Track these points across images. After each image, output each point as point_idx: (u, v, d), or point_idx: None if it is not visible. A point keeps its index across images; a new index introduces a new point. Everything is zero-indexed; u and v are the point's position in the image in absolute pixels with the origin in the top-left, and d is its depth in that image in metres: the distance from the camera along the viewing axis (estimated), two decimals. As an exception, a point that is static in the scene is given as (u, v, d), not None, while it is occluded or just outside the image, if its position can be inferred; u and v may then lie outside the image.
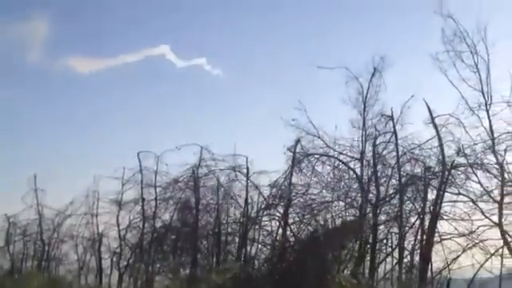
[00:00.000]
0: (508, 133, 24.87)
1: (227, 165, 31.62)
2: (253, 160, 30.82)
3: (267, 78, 51.57)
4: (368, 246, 27.14)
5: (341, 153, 28.52)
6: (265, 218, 30.59)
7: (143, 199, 32.58)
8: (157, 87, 50.93)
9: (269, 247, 30.23)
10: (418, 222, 26.46)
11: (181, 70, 50.28)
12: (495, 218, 24.51)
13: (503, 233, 24.27)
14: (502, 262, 24.71)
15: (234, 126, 45.55)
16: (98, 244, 33.76)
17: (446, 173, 25.72)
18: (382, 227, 27.41)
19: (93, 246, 34.02)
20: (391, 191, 27.58)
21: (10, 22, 47.45)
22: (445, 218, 26.01)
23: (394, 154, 27.22)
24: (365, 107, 28.04)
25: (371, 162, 27.57)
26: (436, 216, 25.62)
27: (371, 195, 27.51)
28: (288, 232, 29.10)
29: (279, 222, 29.54)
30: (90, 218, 34.13)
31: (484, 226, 24.99)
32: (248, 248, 30.35)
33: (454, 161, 25.90)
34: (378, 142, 27.71)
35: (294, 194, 29.19)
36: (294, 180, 29.13)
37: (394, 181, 27.43)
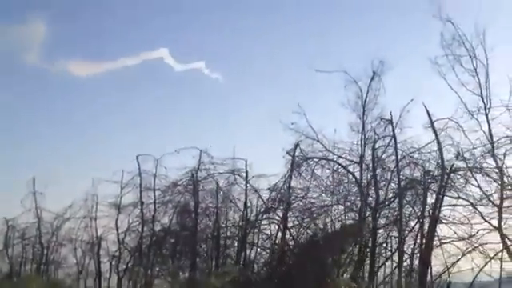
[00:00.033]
0: (507, 137, 24.96)
1: (226, 168, 31.62)
2: (252, 163, 30.82)
3: (266, 81, 51.65)
4: (367, 249, 27.16)
5: (340, 156, 28.57)
6: (264, 222, 30.57)
7: (142, 203, 32.48)
8: (155, 91, 51.01)
9: (268, 251, 30.23)
10: (417, 226, 26.52)
11: (179, 73, 50.34)
12: (495, 222, 24.60)
13: (503, 237, 24.32)
14: (501, 265, 24.77)
15: (232, 130, 45.59)
16: (97, 247, 33.62)
17: (446, 177, 25.76)
18: (381, 231, 27.43)
19: (92, 250, 33.89)
20: (390, 195, 27.62)
21: (8, 24, 47.52)
22: (444, 221, 26.14)
23: (394, 157, 27.27)
24: (364, 111, 28.11)
25: (370, 165, 27.61)
26: (435, 220, 25.67)
27: (370, 199, 27.56)
28: (287, 236, 29.11)
29: (278, 226, 29.52)
30: (88, 221, 34.00)
31: (483, 229, 25.08)
32: (247, 252, 30.26)
33: (453, 165, 25.97)
34: (377, 145, 27.77)
35: (293, 197, 29.21)
36: (293, 184, 29.17)
37: (393, 185, 27.49)
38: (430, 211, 26.05)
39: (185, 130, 46.38)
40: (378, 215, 27.02)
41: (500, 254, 24.57)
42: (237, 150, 31.18)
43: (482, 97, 25.33)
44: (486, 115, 25.19)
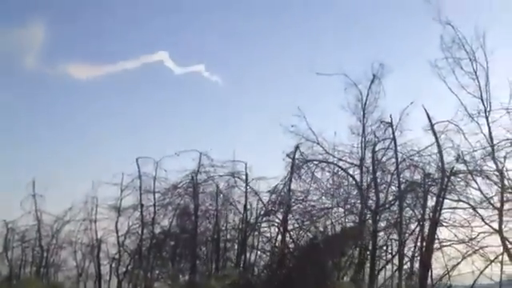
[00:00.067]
0: (507, 139, 24.93)
1: (226, 171, 31.65)
2: (252, 166, 30.90)
3: (266, 84, 51.67)
4: (368, 252, 27.14)
5: (340, 159, 28.59)
6: (264, 225, 30.57)
7: (142, 205, 32.45)
8: (155, 93, 50.94)
9: (268, 254, 30.21)
10: (417, 229, 26.53)
11: (179, 76, 50.25)
12: (495, 225, 24.58)
13: (503, 239, 24.30)
14: (501, 268, 24.82)
15: (232, 132, 45.61)
16: (97, 250, 33.58)
17: (446, 179, 25.77)
18: (381, 234, 27.46)
19: (92, 252, 33.84)
20: (391, 198, 27.62)
21: (8, 27, 47.41)
22: (444, 224, 26.12)
23: (394, 160, 27.28)
24: (364, 114, 28.14)
25: (370, 168, 27.62)
26: (436, 223, 25.66)
27: (371, 202, 27.57)
28: (287, 238, 29.10)
29: (278, 229, 29.51)
30: (88, 223, 33.94)
31: (484, 232, 25.07)
32: (247, 254, 30.28)
33: (453, 167, 25.97)
34: (377, 148, 27.79)
35: (293, 200, 29.19)
36: (293, 186, 29.20)
37: (393, 187, 27.52)
38: (431, 214, 26.05)
39: (185, 133, 46.32)
40: (378, 218, 27.02)
41: (500, 256, 24.57)
42: (237, 153, 31.30)
43: (482, 99, 25.31)
44: (486, 118, 25.17)
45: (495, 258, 24.71)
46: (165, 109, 50.06)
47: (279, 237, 29.38)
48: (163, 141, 45.44)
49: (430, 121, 26.28)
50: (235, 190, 31.58)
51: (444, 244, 25.93)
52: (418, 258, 26.16)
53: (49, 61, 52.84)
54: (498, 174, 24.80)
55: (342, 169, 28.46)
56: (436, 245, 25.83)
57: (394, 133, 27.26)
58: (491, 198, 24.92)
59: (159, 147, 38.46)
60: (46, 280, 34.36)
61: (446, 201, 25.93)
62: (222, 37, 51.96)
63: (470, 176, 25.63)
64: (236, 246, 31.31)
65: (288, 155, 28.94)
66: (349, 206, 28.43)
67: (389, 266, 27.24)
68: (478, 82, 25.39)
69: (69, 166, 44.35)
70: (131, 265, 33.09)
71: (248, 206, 30.61)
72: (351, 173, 28.30)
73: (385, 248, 27.65)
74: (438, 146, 26.13)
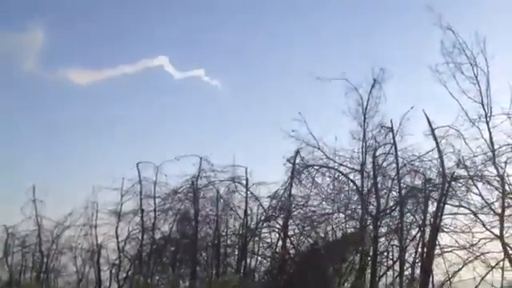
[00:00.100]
0: (508, 145, 24.75)
1: (227, 176, 31.61)
2: (252, 171, 30.85)
3: (266, 88, 51.44)
4: (369, 258, 27.03)
5: (341, 164, 28.44)
6: (264, 230, 30.54)
7: (142, 210, 32.41)
8: (155, 98, 50.84)
9: (269, 259, 30.16)
10: (418, 235, 26.40)
11: (179, 81, 50.24)
12: (496, 231, 24.39)
13: (504, 245, 24.13)
14: (502, 274, 24.68)
15: (233, 137, 45.37)
16: (97, 256, 33.57)
17: (447, 185, 25.62)
18: (382, 239, 27.34)
19: (92, 258, 33.83)
20: (391, 203, 27.49)
21: (8, 32, 47.40)
22: (445, 230, 25.99)
23: (394, 165, 27.12)
24: (365, 118, 27.98)
25: (371, 173, 27.50)
26: (436, 228, 25.54)
27: (371, 207, 27.44)
28: (288, 244, 29.05)
29: (279, 234, 29.47)
30: (88, 229, 33.96)
31: (485, 238, 24.92)
32: (248, 260, 30.23)
33: (453, 173, 25.83)
34: (377, 153, 27.63)
35: (293, 205, 29.15)
36: (293, 191, 29.16)
37: (394, 193, 27.37)
38: (431, 220, 25.91)
39: (185, 138, 46.14)
40: (378, 224, 26.91)
41: (502, 262, 24.39)
42: (237, 158, 31.22)
43: (482, 104, 25.13)
44: (487, 123, 24.98)
45: (496, 264, 24.56)
46: (165, 113, 49.90)
47: (280, 242, 29.37)
48: (163, 145, 45.34)
49: (430, 126, 26.17)
50: (235, 195, 31.56)
51: (445, 250, 25.82)
52: (419, 264, 26.02)
53: (48, 65, 52.89)
54: (498, 179, 24.64)
55: (343, 174, 28.36)
56: (437, 251, 25.71)
57: (394, 138, 27.13)
58: (492, 203, 24.74)
59: (159, 152, 38.41)
60: (46, 285, 34.45)
61: (446, 206, 25.77)
62: (222, 41, 51.84)
63: (470, 181, 25.48)
64: (236, 252, 31.28)
65: (288, 160, 28.90)
66: (349, 212, 28.33)
67: (390, 272, 27.12)
68: (479, 86, 25.25)
69: (69, 171, 44.34)
70: (131, 270, 33.05)
71: (248, 212, 30.60)
72: (352, 178, 28.20)
73: (386, 254, 27.52)
74: (439, 151, 26.00)
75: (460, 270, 25.42)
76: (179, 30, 52.99)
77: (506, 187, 24.51)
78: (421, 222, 26.34)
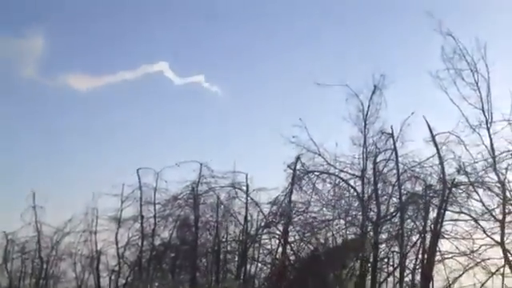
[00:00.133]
0: (509, 151, 24.74)
1: (227, 182, 31.58)
2: (253, 177, 30.83)
3: (266, 94, 51.30)
4: (369, 264, 26.96)
5: (341, 170, 28.37)
6: (265, 236, 30.48)
7: (142, 216, 32.35)
8: (155, 104, 50.85)
9: (269, 266, 30.09)
10: (419, 241, 26.35)
11: (179, 87, 50.20)
12: (497, 237, 24.35)
13: (505, 252, 24.10)
14: (503, 281, 24.65)
15: (233, 143, 45.32)
16: (97, 262, 33.46)
17: (447, 191, 25.61)
18: (382, 246, 27.29)
19: (91, 264, 33.73)
20: (392, 209, 27.42)
21: (7, 38, 47.40)
22: (446, 236, 25.96)
23: (395, 171, 27.11)
24: (365, 125, 27.92)
25: (372, 179, 27.46)
26: (437, 235, 25.51)
27: (372, 213, 27.39)
28: (288, 250, 29.00)
29: (279, 240, 29.41)
30: (88, 235, 33.85)
31: (485, 244, 24.89)
32: (248, 266, 30.19)
33: (454, 179, 25.81)
34: (378, 159, 27.61)
35: (294, 211, 29.09)
36: (294, 197, 29.09)
37: (394, 199, 27.34)
38: (432, 226, 25.88)
39: (185, 144, 46.12)
40: (379, 230, 26.86)
41: (502, 269, 24.38)
42: (237, 164, 31.18)
43: (483, 111, 25.13)
44: (488, 129, 24.97)
45: (497, 271, 24.53)
46: (165, 119, 49.79)
47: (280, 249, 29.29)
48: (164, 151, 45.23)
49: (431, 132, 26.18)
50: (236, 201, 31.54)
51: (445, 256, 25.77)
52: (420, 270, 25.95)
53: (48, 72, 52.84)
54: (499, 185, 24.61)
55: (343, 180, 28.32)
56: (437, 257, 25.67)
57: (395, 144, 27.12)
58: (493, 209, 24.73)
59: (160, 158, 38.36)
60: (46, 292, 34.29)
61: (447, 213, 25.76)
62: (222, 47, 51.84)
63: (471, 188, 25.46)
64: (236, 258, 31.23)
65: (289, 166, 28.85)
66: (350, 218, 28.26)
67: (390, 279, 27.05)
68: (480, 93, 25.25)
69: (69, 177, 44.20)
70: (131, 277, 32.95)
71: (248, 218, 30.57)
72: (352, 184, 28.15)
73: (386, 260, 27.46)
74: (440, 157, 26.00)
75: (460, 276, 25.37)
76: (179, 35, 53.02)
77: (507, 193, 24.50)
78: (421, 228, 26.32)
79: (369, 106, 27.94)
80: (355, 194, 27.98)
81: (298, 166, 28.98)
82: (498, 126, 24.95)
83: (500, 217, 24.37)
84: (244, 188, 30.93)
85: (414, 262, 26.40)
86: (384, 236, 27.36)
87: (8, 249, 35.32)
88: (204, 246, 31.82)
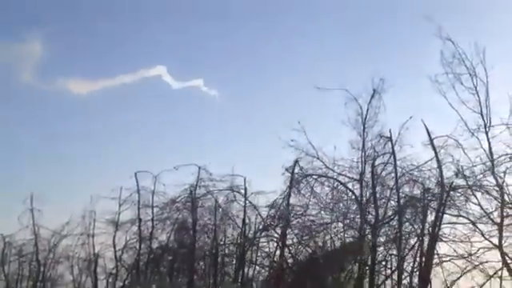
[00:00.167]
0: (507, 155, 24.90)
1: (225, 185, 31.54)
2: (251, 180, 30.83)
3: (265, 98, 51.47)
4: (367, 267, 26.97)
5: (340, 174, 28.44)
6: (263, 239, 30.46)
7: (140, 220, 32.27)
8: (154, 108, 50.90)
9: (267, 269, 30.07)
10: (417, 244, 26.39)
11: (177, 91, 50.28)
12: (495, 240, 24.49)
13: (503, 255, 24.22)
14: (501, 284, 24.70)
15: (231, 146, 45.34)
16: (94, 265, 33.36)
17: (445, 194, 25.70)
18: (381, 249, 27.29)
19: (89, 267, 33.62)
20: (390, 213, 27.49)
21: (5, 43, 47.47)
22: (444, 239, 26.05)
23: (393, 175, 27.20)
24: (364, 128, 28.03)
25: (370, 183, 27.51)
26: (435, 238, 25.57)
27: (370, 216, 27.44)
28: (286, 253, 29.00)
29: (277, 244, 29.42)
30: (86, 238, 33.72)
31: (483, 248, 25.00)
32: (245, 269, 30.17)
33: (452, 182, 25.91)
34: (376, 163, 27.71)
35: (292, 214, 29.14)
36: (292, 201, 29.14)
37: (392, 202, 27.39)
38: (430, 229, 25.95)
39: (183, 147, 46.25)
40: (377, 233, 26.89)
41: (500, 272, 24.48)
42: (235, 167, 31.16)
43: (482, 115, 25.32)
44: (486, 133, 25.16)
45: (495, 274, 24.61)
46: (163, 123, 49.87)
47: (278, 252, 29.31)
48: (162, 155, 45.31)
49: (429, 135, 26.30)
50: (234, 204, 31.54)
51: (443, 259, 25.84)
52: (418, 273, 25.99)
53: (47, 76, 52.87)
54: (497, 189, 24.76)
55: (342, 183, 28.37)
56: (435, 260, 25.75)
57: (393, 147, 27.24)
58: (491, 213, 24.88)
59: (158, 161, 38.41)
60: (43, 294, 34.17)
61: (445, 216, 25.86)
62: (221, 51, 52.00)
63: (469, 191, 25.59)
64: (234, 261, 31.20)
65: (287, 169, 28.92)
66: (348, 221, 28.30)
67: (388, 282, 27.07)
68: (478, 97, 25.44)
69: (67, 180, 44.18)
70: (128, 280, 32.86)
71: (247, 221, 30.52)
72: (351, 187, 28.25)
73: (384, 263, 27.48)
74: (438, 160, 26.12)
75: (458, 279, 25.39)
76: (177, 39, 53.07)
77: (505, 197, 24.67)
78: (419, 231, 26.37)
79: (368, 110, 28.10)
80: (353, 197, 28.08)
81: (297, 170, 29.10)
82: (496, 130, 25.21)
83: (498, 220, 24.52)
84: (242, 191, 30.94)
85: (412, 264, 26.49)
86: (382, 239, 27.43)
87: (5, 251, 35.14)
88: (202, 249, 31.77)
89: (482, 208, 25.00)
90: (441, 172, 25.92)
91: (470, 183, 25.47)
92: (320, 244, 28.48)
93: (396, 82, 28.81)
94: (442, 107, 26.11)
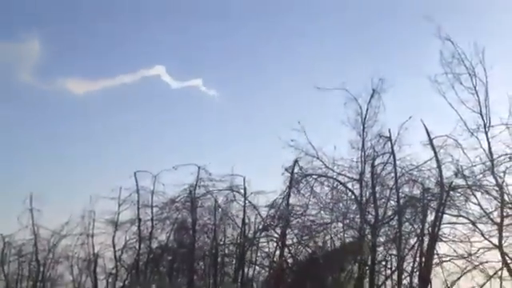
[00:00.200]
0: (507, 154, 24.88)
1: (225, 185, 31.52)
2: (250, 180, 30.81)
3: (265, 98, 51.33)
4: (367, 267, 26.97)
5: (339, 173, 28.42)
6: (262, 239, 30.46)
7: (140, 219, 32.25)
8: (153, 108, 50.85)
9: (267, 269, 30.06)
10: (417, 244, 26.38)
11: (176, 91, 50.24)
12: (495, 240, 24.49)
13: (503, 255, 24.22)
14: (501, 284, 24.71)
15: (231, 146, 45.28)
16: (94, 265, 33.35)
17: (445, 194, 25.70)
18: (380, 249, 27.30)
19: (88, 267, 33.62)
20: (390, 212, 27.46)
21: (4, 43, 47.41)
22: (444, 239, 26.05)
23: (393, 175, 27.21)
24: (364, 128, 28.01)
25: (370, 183, 27.50)
26: (435, 238, 25.57)
27: (370, 216, 27.42)
28: (286, 253, 29.00)
29: (277, 243, 29.42)
30: (85, 238, 33.71)
31: (483, 248, 24.99)
32: (245, 270, 30.18)
33: (452, 182, 25.90)
34: (376, 162, 27.70)
35: (292, 214, 29.13)
36: (291, 201, 29.15)
37: (392, 202, 27.37)
38: (430, 229, 25.95)
39: (183, 147, 46.20)
40: (377, 233, 26.88)
41: (500, 272, 24.47)
42: (235, 167, 31.13)
43: (481, 115, 25.31)
44: (486, 133, 25.14)
45: (495, 274, 24.61)
46: (163, 123, 49.81)
47: (278, 252, 29.31)
48: (161, 155, 45.26)
49: (428, 135, 26.30)
50: (234, 204, 31.52)
51: (443, 259, 25.85)
52: (418, 273, 25.99)
53: (46, 76, 52.79)
54: (497, 188, 24.75)
55: (341, 183, 28.35)
56: (435, 260, 25.76)
57: (393, 147, 27.24)
58: (491, 213, 24.87)
59: (157, 161, 38.36)
60: (43, 295, 34.16)
61: (445, 216, 25.86)
62: (219, 51, 51.94)
63: (469, 191, 25.60)
64: (234, 261, 31.21)
65: (287, 169, 28.91)
66: (348, 221, 28.28)
67: (388, 282, 27.07)
68: (478, 97, 25.42)
69: (66, 180, 44.16)
70: (128, 280, 32.86)
71: (246, 221, 30.51)
72: (350, 187, 28.22)
73: (384, 263, 27.51)
74: (437, 160, 26.11)
75: (458, 279, 25.41)
76: (176, 39, 53.01)
77: (505, 197, 24.65)
78: (419, 231, 26.38)
79: (367, 110, 28.09)
80: (353, 197, 28.05)
81: (296, 170, 29.10)
82: (495, 130, 25.18)
83: (498, 220, 24.51)
84: (242, 191, 30.93)
85: (411, 264, 26.49)
86: (382, 239, 27.44)
87: (5, 251, 35.14)
88: (201, 249, 31.77)
89: (481, 208, 25.01)
90: (440, 172, 25.92)
91: (469, 183, 25.49)
92: (320, 244, 28.50)
93: (395, 82, 28.79)
94: (442, 107, 26.14)
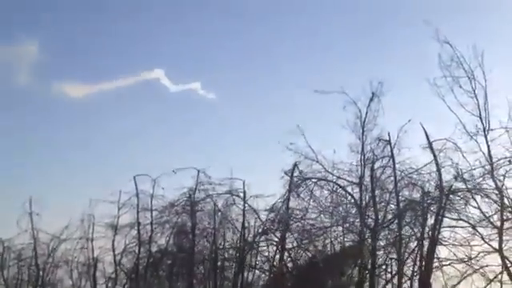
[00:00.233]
0: (506, 158, 24.83)
1: (224, 189, 31.45)
2: (250, 184, 30.72)
3: (264, 101, 51.24)
4: (367, 271, 26.94)
5: (339, 177, 28.41)
6: (262, 243, 30.41)
7: (139, 223, 32.17)
8: (152, 111, 50.77)
9: (266, 273, 30.03)
10: (417, 248, 26.36)
11: (175, 94, 50.17)
12: (495, 244, 24.44)
13: (503, 259, 24.17)
14: (501, 288, 24.62)
15: (230, 150, 45.21)
16: (93, 269, 33.28)
17: (445, 198, 25.67)
18: (380, 253, 27.29)
19: (88, 271, 33.55)
20: (390, 216, 27.42)
21: (2, 45, 47.39)
22: (444, 243, 26.00)
23: (392, 178, 27.17)
24: (363, 132, 27.97)
25: (369, 186, 27.46)
26: (435, 242, 25.53)
27: (370, 220, 27.37)
28: (286, 257, 28.96)
29: (277, 247, 29.38)
30: (85, 242, 33.63)
31: (483, 251, 24.96)
32: (245, 274, 30.13)
33: (452, 186, 25.86)
34: (376, 166, 27.66)
35: (291, 218, 29.07)
36: (291, 204, 29.09)
37: (392, 206, 27.36)
38: (430, 233, 25.91)
39: (182, 151, 46.09)
40: (377, 237, 26.83)
41: (500, 276, 24.42)
42: (234, 171, 31.06)
43: (480, 118, 25.27)
44: (485, 136, 25.11)
45: (495, 278, 24.57)
46: (162, 126, 49.81)
47: (278, 256, 29.24)
48: (160, 158, 45.18)
49: (428, 139, 26.31)
50: (233, 208, 31.41)
51: (443, 263, 25.81)
52: (418, 277, 26.01)
53: (44, 79, 52.68)
54: (497, 192, 24.70)
55: (341, 187, 28.32)
56: (435, 264, 25.73)
57: (392, 151, 27.23)
58: (491, 216, 24.82)
59: (156, 165, 38.24)
60: (42, 299, 34.09)
61: (445, 219, 25.88)
62: (218, 54, 51.95)
63: (469, 194, 25.55)
64: (234, 265, 31.12)
65: (286, 173, 28.89)
66: (348, 225, 28.28)
67: (388, 286, 27.04)
68: (477, 100, 25.39)
69: (65, 183, 44.10)
70: (128, 284, 32.86)
71: (246, 225, 30.44)
72: (350, 191, 28.16)
73: (384, 267, 27.50)
74: (437, 164, 26.09)
75: (458, 283, 25.41)
76: (175, 42, 53.07)
77: (505, 200, 24.60)
78: (419, 234, 26.35)
79: (367, 113, 28.03)
80: (353, 200, 28.00)
81: (296, 173, 29.07)
82: (495, 133, 25.13)
83: (498, 223, 24.45)
84: (241, 195, 30.85)
85: (412, 268, 26.51)
86: (382, 243, 27.39)
87: (4, 256, 35.11)
88: (201, 253, 31.73)
89: (481, 211, 24.95)
90: (440, 175, 25.89)
91: (469, 187, 25.45)
92: (320, 248, 28.46)
93: (395, 85, 28.78)
94: (441, 110, 26.10)
